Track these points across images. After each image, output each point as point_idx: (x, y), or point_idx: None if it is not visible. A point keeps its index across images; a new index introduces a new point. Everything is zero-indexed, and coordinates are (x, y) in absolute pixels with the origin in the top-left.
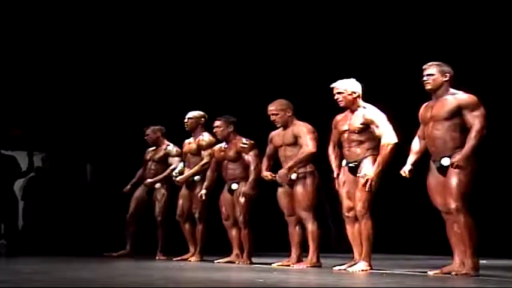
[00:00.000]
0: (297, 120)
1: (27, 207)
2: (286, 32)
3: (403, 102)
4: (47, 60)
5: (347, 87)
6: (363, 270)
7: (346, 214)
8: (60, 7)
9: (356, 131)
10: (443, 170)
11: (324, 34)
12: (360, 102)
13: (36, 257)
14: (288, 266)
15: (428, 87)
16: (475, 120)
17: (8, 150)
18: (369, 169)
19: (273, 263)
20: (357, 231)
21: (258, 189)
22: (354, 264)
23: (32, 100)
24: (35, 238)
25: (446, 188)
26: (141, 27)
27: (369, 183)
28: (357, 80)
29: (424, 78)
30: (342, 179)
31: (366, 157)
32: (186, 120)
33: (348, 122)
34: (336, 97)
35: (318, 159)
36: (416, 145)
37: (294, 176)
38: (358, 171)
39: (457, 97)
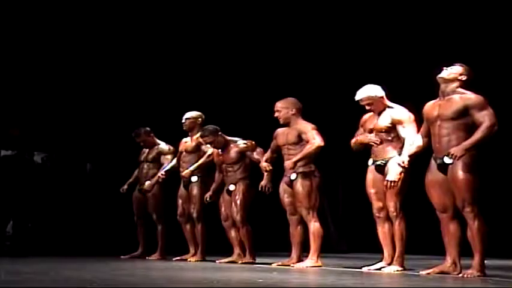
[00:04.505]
0: (302, 120)
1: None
2: (282, 33)
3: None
4: (46, 60)
5: (371, 94)
6: (397, 271)
7: (377, 214)
8: (61, 8)
9: (383, 130)
10: (443, 168)
11: (321, 35)
12: (387, 102)
13: (36, 257)
14: (289, 266)
15: (442, 75)
16: (484, 117)
17: (8, 151)
18: (393, 171)
19: (274, 263)
20: (387, 231)
21: (255, 190)
22: (384, 265)
23: (32, 100)
24: (34, 238)
25: (455, 190)
26: (141, 28)
27: (393, 185)
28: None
29: (444, 68)
30: (370, 178)
31: (394, 157)
32: (184, 121)
33: (374, 122)
34: (367, 108)
35: (318, 159)
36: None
37: (293, 175)
38: (385, 171)
39: (464, 97)
